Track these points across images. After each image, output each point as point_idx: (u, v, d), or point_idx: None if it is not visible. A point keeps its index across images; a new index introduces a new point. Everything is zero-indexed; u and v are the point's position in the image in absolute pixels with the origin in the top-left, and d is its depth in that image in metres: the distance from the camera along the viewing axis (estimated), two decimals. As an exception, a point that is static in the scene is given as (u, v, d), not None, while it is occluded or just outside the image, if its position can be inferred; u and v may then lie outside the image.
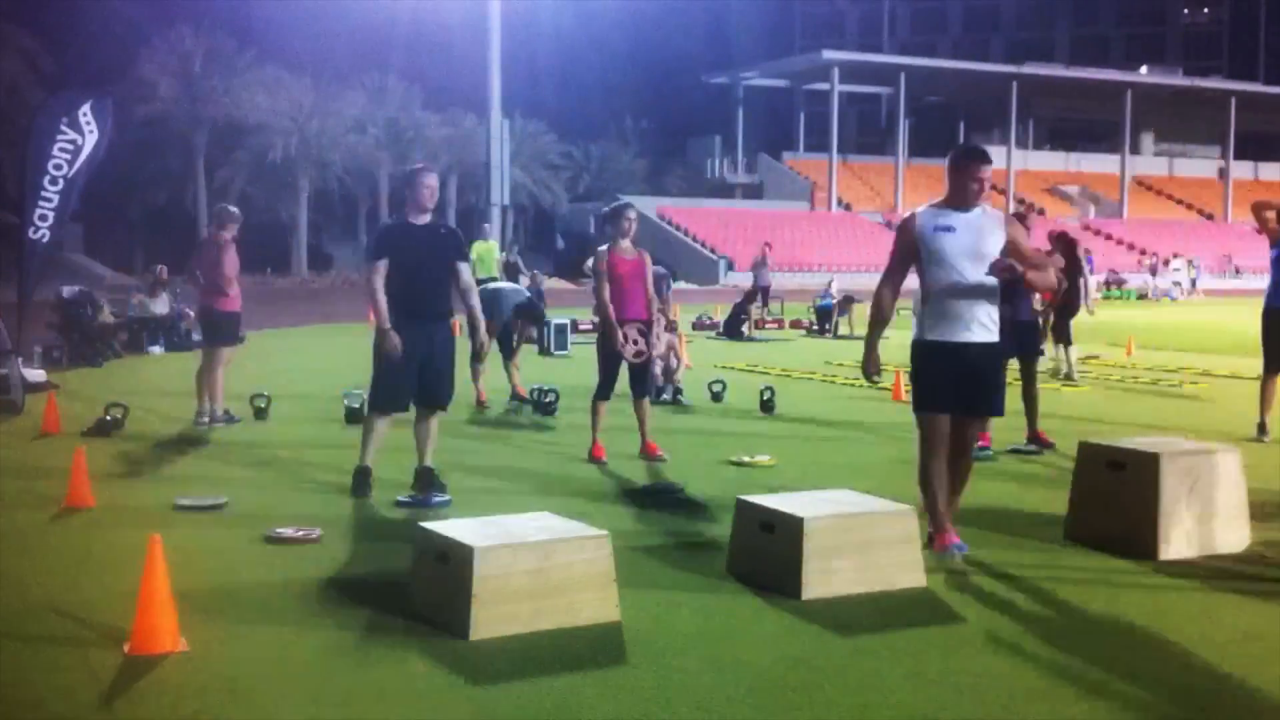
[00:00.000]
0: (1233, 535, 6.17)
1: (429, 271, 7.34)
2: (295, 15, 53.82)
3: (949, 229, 5.89)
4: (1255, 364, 15.56)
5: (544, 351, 17.86)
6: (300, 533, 6.30)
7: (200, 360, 10.68)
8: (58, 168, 13.51)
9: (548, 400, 11.12)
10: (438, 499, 7.18)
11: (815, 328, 23.67)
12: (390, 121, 57.84)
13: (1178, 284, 42.92)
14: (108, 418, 9.85)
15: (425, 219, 7.37)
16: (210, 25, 53.04)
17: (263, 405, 10.77)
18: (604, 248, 8.86)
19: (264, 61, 53.82)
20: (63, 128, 13.53)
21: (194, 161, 53.04)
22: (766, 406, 11.40)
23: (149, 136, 51.38)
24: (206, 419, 10.35)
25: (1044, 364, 15.09)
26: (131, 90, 50.38)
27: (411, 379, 7.31)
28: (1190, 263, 45.96)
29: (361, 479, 7.36)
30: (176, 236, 50.57)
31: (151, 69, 51.33)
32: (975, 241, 5.87)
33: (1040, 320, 12.63)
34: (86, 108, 13.71)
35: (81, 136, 13.57)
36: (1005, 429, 10.27)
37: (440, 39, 55.28)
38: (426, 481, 7.36)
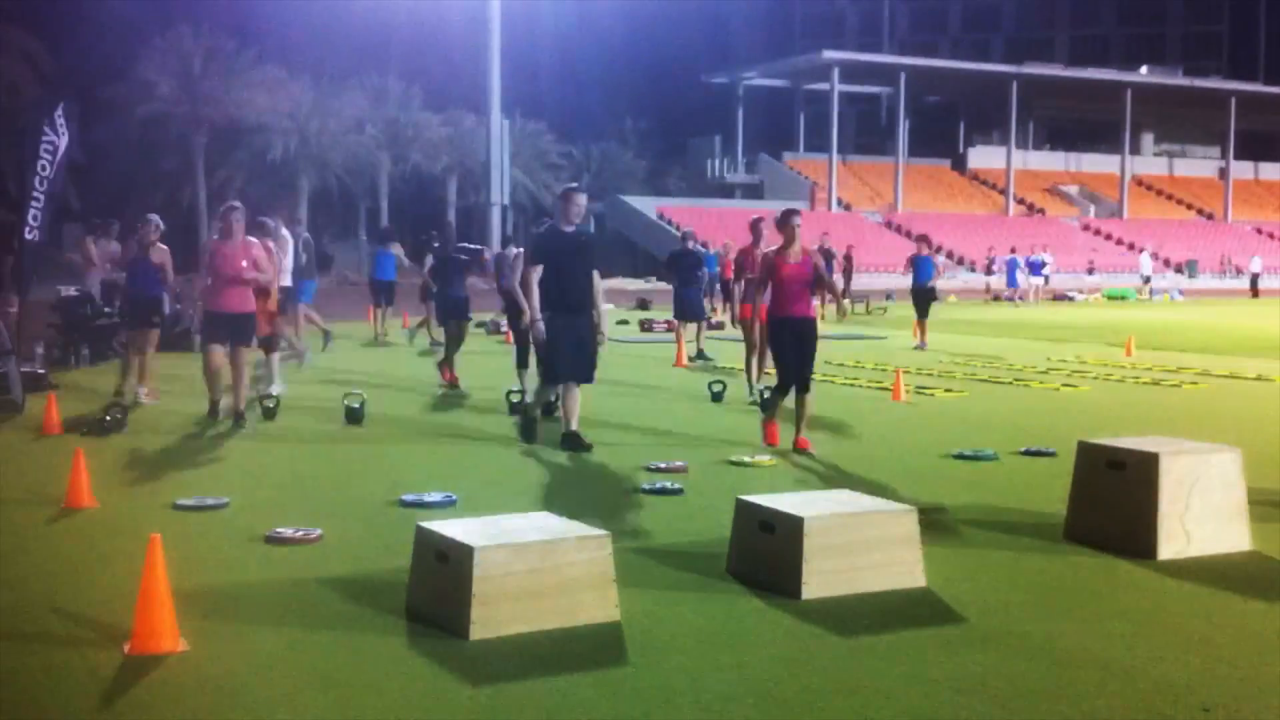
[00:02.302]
0: (1233, 535, 6.17)
1: (575, 270, 9.06)
2: (295, 15, 53.87)
3: None
4: (1254, 364, 15.60)
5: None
6: (300, 533, 6.30)
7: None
8: (43, 168, 13.73)
9: (550, 400, 11.10)
10: (435, 499, 7.19)
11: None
12: (390, 121, 57.84)
13: (1148, 281, 41.74)
14: (108, 418, 9.84)
15: (571, 228, 9.10)
16: (210, 25, 53.05)
17: (271, 405, 10.76)
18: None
19: (264, 61, 53.82)
20: (45, 129, 13.75)
21: (194, 161, 53.04)
22: (716, 399, 11.52)
23: (149, 136, 51.39)
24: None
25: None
26: (131, 90, 50.43)
27: (569, 357, 9.06)
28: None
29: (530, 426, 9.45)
30: (176, 236, 50.44)
31: (151, 69, 51.33)
32: None
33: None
34: (60, 110, 13.99)
35: (59, 138, 13.78)
36: (1009, 430, 10.26)
37: (440, 39, 55.31)
38: (574, 442, 8.99)
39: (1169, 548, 5.98)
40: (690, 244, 17.52)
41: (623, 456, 8.81)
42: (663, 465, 8.43)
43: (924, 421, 10.90)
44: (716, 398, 12.05)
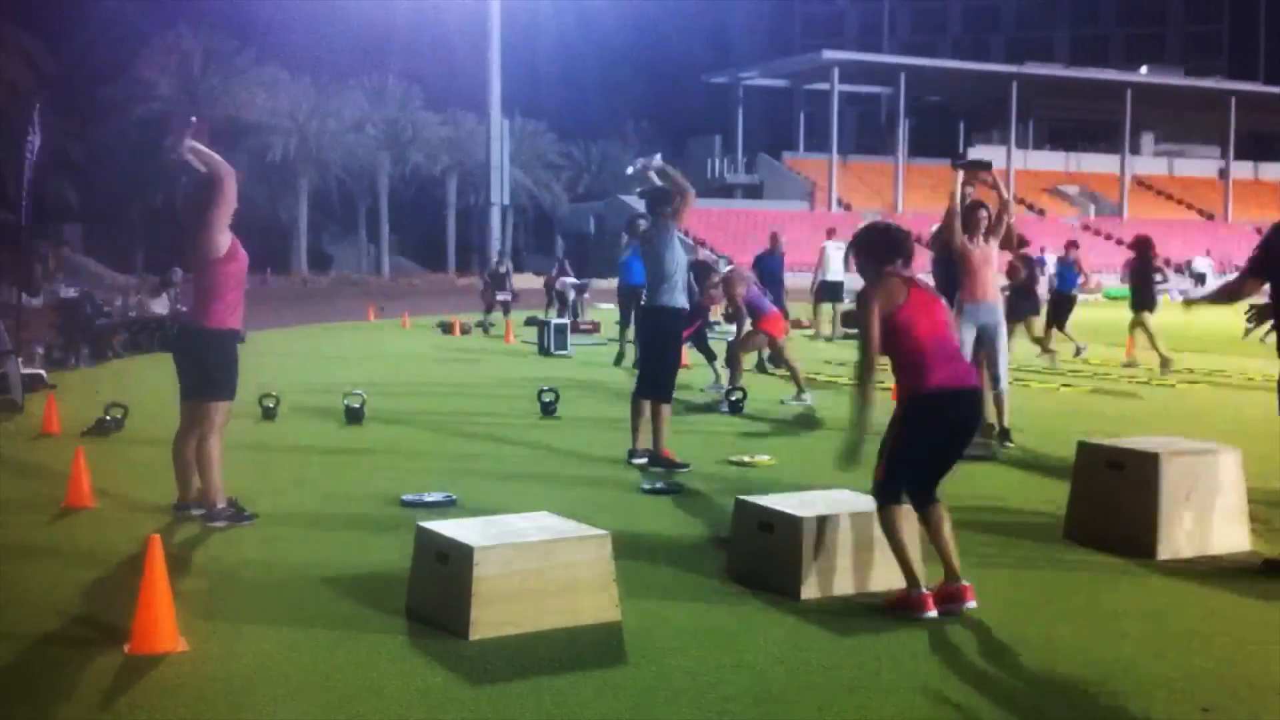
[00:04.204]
0: (1232, 535, 6.17)
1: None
2: (295, 15, 53.87)
3: None
4: (1254, 364, 15.58)
5: (544, 351, 17.87)
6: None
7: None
8: (30, 168, 13.95)
9: (548, 400, 11.12)
10: (435, 499, 7.19)
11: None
12: (390, 121, 57.85)
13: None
14: (108, 418, 9.84)
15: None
16: (210, 25, 53.06)
17: (271, 405, 10.75)
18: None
19: (264, 61, 53.84)
20: (29, 130, 13.96)
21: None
22: (735, 408, 11.37)
23: (149, 136, 51.34)
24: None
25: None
26: (131, 90, 50.38)
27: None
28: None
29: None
30: (176, 236, 50.52)
31: (151, 69, 51.35)
32: None
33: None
34: (36, 110, 14.33)
35: (37, 138, 13.99)
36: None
37: (440, 39, 55.31)
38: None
39: (1168, 548, 5.98)
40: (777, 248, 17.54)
41: (622, 457, 8.79)
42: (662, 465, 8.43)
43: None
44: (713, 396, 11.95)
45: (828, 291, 21.31)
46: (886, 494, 5.14)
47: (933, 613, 4.98)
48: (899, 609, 5.04)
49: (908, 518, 5.12)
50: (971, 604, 5.05)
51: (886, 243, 5.24)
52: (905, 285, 5.11)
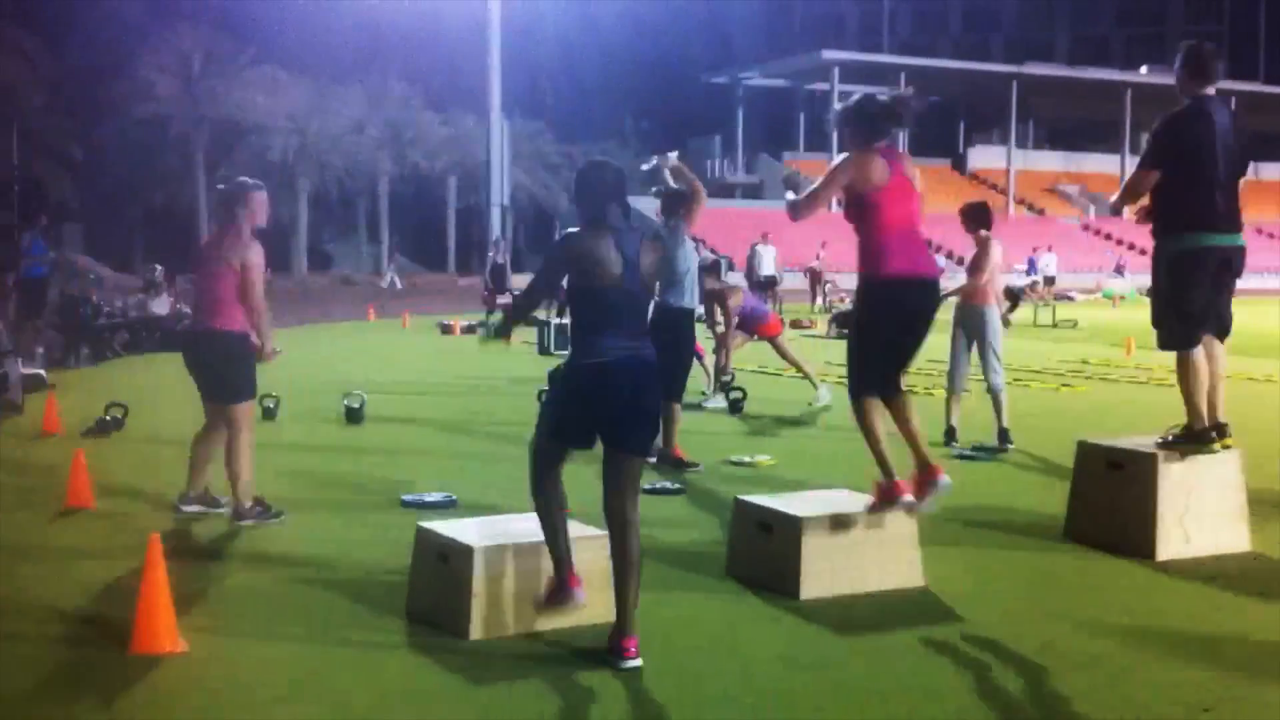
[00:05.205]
0: (1232, 535, 6.17)
1: None
2: (295, 15, 53.85)
3: None
4: (1253, 364, 15.61)
5: (544, 351, 17.87)
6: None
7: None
8: None
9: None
10: (435, 499, 7.19)
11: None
12: (390, 122, 57.84)
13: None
14: (108, 418, 9.84)
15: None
16: (209, 25, 53.02)
17: (271, 406, 10.74)
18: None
19: (263, 61, 53.81)
20: None
21: (193, 161, 53.04)
22: (735, 408, 11.35)
23: (148, 136, 51.38)
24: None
25: None
26: (131, 90, 50.35)
27: None
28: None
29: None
30: (176, 236, 50.60)
31: (151, 69, 51.31)
32: None
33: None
34: None
35: None
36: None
37: (440, 39, 55.32)
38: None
39: (1168, 548, 5.98)
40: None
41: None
42: (663, 465, 8.43)
43: (923, 421, 10.87)
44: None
45: (763, 287, 24.90)
46: (858, 391, 5.42)
47: (909, 497, 5.19)
48: (879, 502, 5.26)
49: (879, 410, 5.34)
50: (945, 479, 5.23)
51: (881, 114, 5.29)
52: (888, 168, 5.22)
